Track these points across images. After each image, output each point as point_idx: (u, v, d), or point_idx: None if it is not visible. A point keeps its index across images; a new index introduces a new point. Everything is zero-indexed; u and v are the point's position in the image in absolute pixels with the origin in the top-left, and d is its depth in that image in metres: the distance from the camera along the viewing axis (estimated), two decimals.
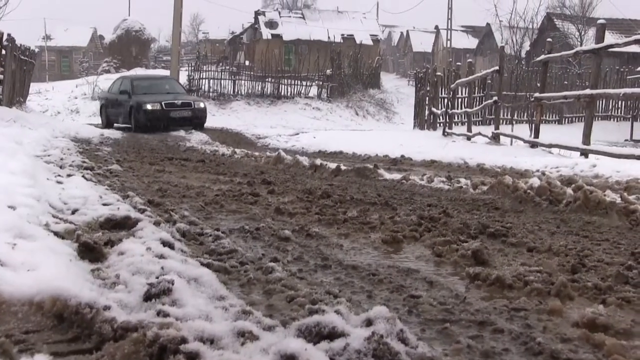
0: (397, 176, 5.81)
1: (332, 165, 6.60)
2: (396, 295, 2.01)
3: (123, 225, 2.69)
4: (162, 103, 21.05)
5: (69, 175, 3.95)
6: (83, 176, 3.99)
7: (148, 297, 1.71)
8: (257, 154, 9.13)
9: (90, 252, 2.09)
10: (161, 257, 2.05)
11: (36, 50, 39.28)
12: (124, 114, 22.14)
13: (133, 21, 57.25)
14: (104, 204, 3.05)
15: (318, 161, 6.90)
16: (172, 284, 1.72)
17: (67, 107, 35.56)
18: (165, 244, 2.23)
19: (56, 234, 2.36)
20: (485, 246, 2.56)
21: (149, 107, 20.94)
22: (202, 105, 22.34)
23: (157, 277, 1.82)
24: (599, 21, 12.62)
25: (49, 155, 6.74)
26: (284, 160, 7.52)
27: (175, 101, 21.35)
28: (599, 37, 12.30)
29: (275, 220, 3.22)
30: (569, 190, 4.10)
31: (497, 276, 2.15)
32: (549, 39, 16.64)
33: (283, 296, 1.92)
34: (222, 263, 2.20)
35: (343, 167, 6.40)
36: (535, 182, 4.37)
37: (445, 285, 2.15)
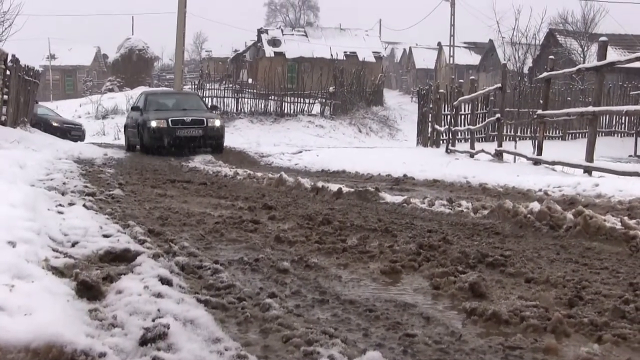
0: (398, 199, 5.82)
1: (334, 188, 6.61)
2: (392, 334, 2.01)
3: (123, 258, 2.71)
4: (169, 120, 18.47)
5: (70, 204, 3.97)
6: (84, 204, 4.00)
7: (144, 341, 1.71)
8: (259, 174, 9.15)
9: (89, 291, 2.10)
10: (159, 295, 2.06)
11: (40, 69, 39.52)
12: (135, 134, 19.91)
13: (136, 40, 57.66)
14: (104, 235, 3.07)
15: (320, 184, 6.92)
16: (168, 328, 1.73)
17: None
18: (163, 280, 2.24)
19: (55, 269, 2.37)
20: (482, 277, 2.57)
21: (153, 124, 18.46)
22: (217, 123, 19.20)
23: (154, 320, 1.83)
24: (601, 39, 12.65)
25: (51, 179, 6.77)
26: (286, 183, 7.53)
27: (184, 118, 18.65)
28: (601, 55, 12.33)
29: (275, 250, 3.23)
30: (569, 215, 4.11)
31: (493, 311, 2.15)
32: (551, 56, 16.69)
33: (279, 336, 1.92)
34: (220, 299, 2.21)
35: (344, 190, 6.42)
36: (535, 206, 4.37)
37: (441, 321, 2.16)
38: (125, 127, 22.17)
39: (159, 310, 1.92)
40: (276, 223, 4.25)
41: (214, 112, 21.51)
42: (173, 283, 2.25)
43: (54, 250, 2.65)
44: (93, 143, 24.97)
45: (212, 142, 19.08)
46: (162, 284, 2.20)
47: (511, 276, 2.79)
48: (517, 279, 2.74)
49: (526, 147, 18.02)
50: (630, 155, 22.03)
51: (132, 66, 56.13)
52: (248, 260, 2.86)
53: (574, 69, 14.69)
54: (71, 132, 27.95)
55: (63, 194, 4.86)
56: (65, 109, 41.45)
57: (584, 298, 2.37)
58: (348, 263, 3.00)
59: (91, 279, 2.11)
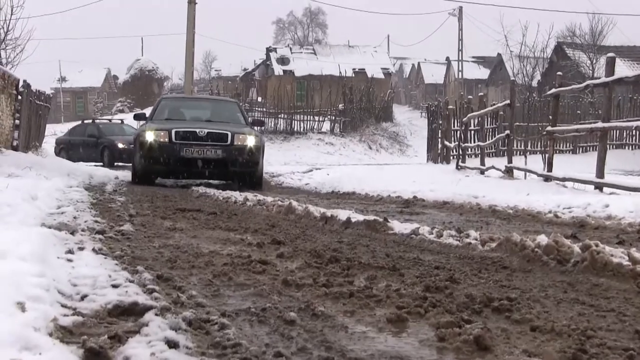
0: (407, 228, 5.84)
1: (343, 217, 6.65)
2: None
3: (131, 312, 2.75)
4: (172, 132, 12.91)
5: (80, 248, 4.02)
6: (93, 248, 4.05)
7: None
8: (269, 200, 9.19)
9: (96, 357, 2.13)
10: None
11: (51, 92, 39.85)
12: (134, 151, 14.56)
13: (146, 61, 58.16)
14: (113, 285, 3.11)
15: (329, 213, 6.96)
16: None
17: None
18: (170, 343, 2.26)
19: (64, 328, 2.41)
20: (487, 329, 2.58)
21: (148, 137, 13.06)
22: (249, 141, 13.24)
23: None
24: (609, 55, 12.70)
25: (62, 213, 6.85)
26: (295, 211, 7.59)
27: (197, 130, 13.02)
28: (609, 71, 12.37)
29: (282, 296, 3.26)
30: (577, 249, 4.12)
31: None
32: (559, 73, 16.75)
33: None
34: None
35: (353, 219, 6.46)
36: (542, 240, 4.39)
37: None
38: None
39: None
40: (284, 262, 4.28)
41: (254, 129, 15.00)
42: (180, 344, 2.28)
43: (62, 306, 2.69)
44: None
45: (240, 170, 13.35)
46: (169, 347, 2.23)
47: (517, 323, 2.80)
48: (522, 326, 2.75)
49: (536, 161, 18.05)
50: None
51: (142, 87, 56.63)
52: (255, 311, 2.89)
53: (582, 85, 14.73)
54: None
55: (73, 233, 4.92)
56: None
57: (588, 352, 2.37)
58: (355, 310, 3.02)
59: (98, 346, 2.15)
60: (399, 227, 6.02)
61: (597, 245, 4.04)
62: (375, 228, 6.02)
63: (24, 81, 21.84)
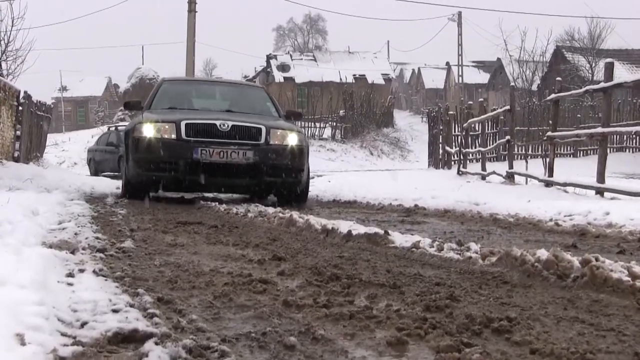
0: (407, 242, 5.85)
1: (344, 229, 6.66)
2: None
3: (131, 339, 2.75)
4: (181, 125, 9.64)
5: (80, 270, 4.02)
6: (94, 270, 4.05)
7: None
8: (270, 211, 9.18)
9: None
10: None
11: (52, 102, 40.11)
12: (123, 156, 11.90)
13: (147, 69, 58.18)
14: (114, 310, 3.11)
15: (330, 225, 6.97)
16: None
17: (83, 158, 36.05)
18: None
19: (64, 359, 2.42)
20: (487, 352, 2.58)
21: (146, 132, 9.87)
22: (291, 139, 10.00)
23: None
24: (607, 60, 12.75)
25: (63, 229, 6.85)
26: (296, 223, 7.61)
27: (217, 122, 9.69)
28: (608, 76, 12.39)
29: (283, 318, 3.26)
30: (576, 264, 4.12)
31: None
32: (558, 78, 16.78)
33: None
34: None
35: (354, 232, 6.46)
36: (542, 254, 4.39)
37: None
38: None
39: None
40: (285, 280, 4.29)
41: (292, 122, 11.62)
42: None
43: (62, 334, 2.69)
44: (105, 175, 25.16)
45: (279, 180, 10.07)
46: None
47: (516, 345, 2.80)
48: (522, 349, 2.75)
49: (537, 165, 18.08)
50: None
51: (143, 95, 56.57)
52: (255, 336, 2.89)
53: (581, 90, 14.78)
54: None
55: (74, 252, 4.91)
56: (77, 140, 41.95)
57: None
58: (355, 333, 3.02)
59: None
60: (400, 239, 6.03)
61: (596, 260, 4.04)
62: (376, 241, 6.03)
63: (25, 92, 21.94)
